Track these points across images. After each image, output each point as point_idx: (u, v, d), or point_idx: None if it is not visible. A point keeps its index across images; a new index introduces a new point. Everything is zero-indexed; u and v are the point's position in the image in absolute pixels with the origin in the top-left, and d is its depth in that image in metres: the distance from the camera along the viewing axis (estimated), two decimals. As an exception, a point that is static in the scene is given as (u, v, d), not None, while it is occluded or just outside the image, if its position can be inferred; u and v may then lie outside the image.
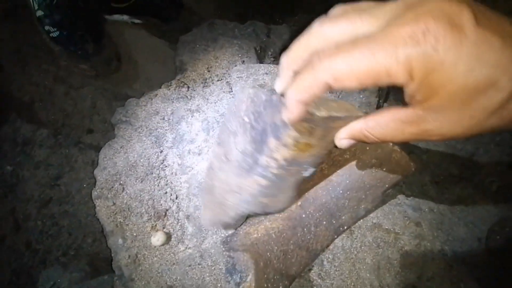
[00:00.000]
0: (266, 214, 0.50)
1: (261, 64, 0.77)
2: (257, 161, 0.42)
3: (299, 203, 0.50)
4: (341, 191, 0.50)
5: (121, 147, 0.67)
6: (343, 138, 0.34)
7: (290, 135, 0.37)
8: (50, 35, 0.82)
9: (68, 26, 0.81)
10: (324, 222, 0.50)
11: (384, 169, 0.49)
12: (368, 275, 0.50)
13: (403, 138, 0.29)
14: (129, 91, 0.92)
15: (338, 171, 0.51)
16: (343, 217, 0.51)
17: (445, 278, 0.54)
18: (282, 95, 0.34)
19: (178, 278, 0.53)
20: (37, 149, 0.73)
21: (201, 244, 0.55)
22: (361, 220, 0.54)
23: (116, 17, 0.91)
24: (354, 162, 0.50)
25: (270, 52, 0.99)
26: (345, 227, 0.52)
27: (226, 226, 0.51)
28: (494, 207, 0.73)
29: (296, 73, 0.29)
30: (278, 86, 0.33)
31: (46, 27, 0.82)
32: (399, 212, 0.56)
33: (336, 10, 0.30)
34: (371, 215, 0.55)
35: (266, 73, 0.71)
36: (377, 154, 0.49)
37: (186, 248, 0.55)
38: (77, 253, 0.68)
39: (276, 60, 0.98)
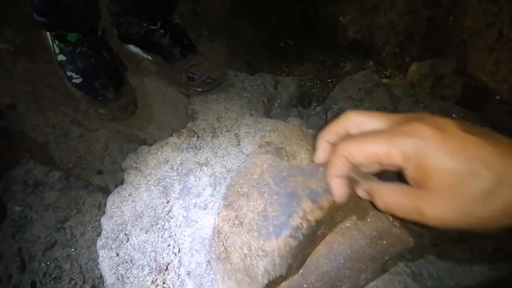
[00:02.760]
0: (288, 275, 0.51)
1: (268, 120, 0.81)
2: (288, 223, 0.47)
3: (300, 271, 0.51)
4: (342, 261, 0.50)
5: (129, 195, 0.69)
6: (363, 189, 0.41)
7: (328, 199, 0.47)
8: (73, 81, 0.88)
9: (91, 74, 0.87)
10: None
11: (384, 242, 0.50)
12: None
13: (403, 212, 0.34)
14: (140, 135, 0.96)
15: (339, 239, 0.52)
16: (344, 287, 0.51)
17: None
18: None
19: None
20: (47, 191, 0.75)
21: (201, 304, 0.55)
22: (360, 289, 0.55)
23: (131, 47, 0.97)
24: (356, 233, 0.51)
25: (277, 103, 1.05)
26: None
27: None
28: (488, 269, 0.74)
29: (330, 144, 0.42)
30: (318, 156, 0.44)
31: (68, 73, 0.88)
32: (399, 282, 0.57)
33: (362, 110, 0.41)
34: (371, 283, 0.55)
35: (273, 130, 0.75)
36: (377, 227, 0.51)
37: (185, 306, 0.55)
38: (75, 300, 0.68)
39: (282, 111, 1.03)
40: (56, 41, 0.87)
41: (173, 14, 0.92)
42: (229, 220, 0.52)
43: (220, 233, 0.53)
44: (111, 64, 0.89)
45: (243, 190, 0.54)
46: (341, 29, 1.57)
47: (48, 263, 0.69)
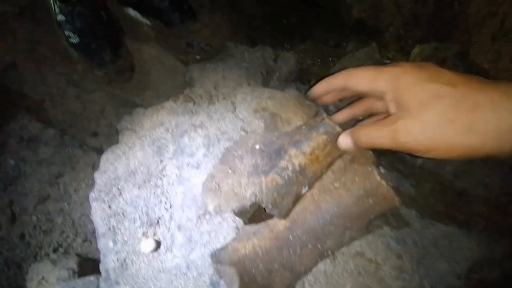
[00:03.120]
0: (270, 213, 0.55)
1: (266, 89, 0.81)
2: (276, 165, 0.54)
3: (287, 224, 0.53)
4: (328, 218, 0.52)
5: (123, 153, 0.70)
6: (345, 136, 0.46)
7: (310, 145, 0.53)
8: (70, 40, 0.87)
9: (88, 35, 0.86)
10: (310, 246, 0.53)
11: (371, 200, 0.52)
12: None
13: (381, 140, 0.39)
14: (137, 100, 0.96)
15: (327, 198, 0.54)
16: (328, 242, 0.53)
17: (421, 313, 0.55)
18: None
19: (163, 286, 0.54)
20: (42, 146, 0.76)
21: (189, 255, 0.56)
22: (345, 247, 0.56)
23: (130, 10, 0.95)
24: (344, 192, 0.53)
25: (275, 76, 1.05)
26: (329, 252, 0.54)
27: (235, 212, 0.54)
28: (477, 247, 0.75)
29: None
30: (315, 89, 0.55)
31: (66, 32, 0.87)
32: (382, 243, 0.58)
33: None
34: (355, 243, 0.57)
35: (269, 98, 0.75)
36: (365, 186, 0.52)
37: (173, 257, 0.57)
38: (67, 251, 0.70)
39: (280, 84, 1.03)
40: (57, 1, 0.86)
41: None
42: (223, 170, 0.56)
43: (214, 177, 0.56)
44: (109, 26, 0.87)
45: (238, 153, 0.59)
46: (346, 8, 1.54)
47: (39, 216, 0.71)
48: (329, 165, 0.56)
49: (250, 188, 0.52)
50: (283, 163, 0.52)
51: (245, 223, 0.56)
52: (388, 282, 0.54)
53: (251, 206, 0.52)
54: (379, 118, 0.47)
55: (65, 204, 0.76)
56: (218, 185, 0.54)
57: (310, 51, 1.44)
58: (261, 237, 0.52)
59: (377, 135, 0.39)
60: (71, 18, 0.85)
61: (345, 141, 0.46)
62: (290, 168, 0.52)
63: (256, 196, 0.51)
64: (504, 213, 0.83)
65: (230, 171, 0.55)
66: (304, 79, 1.29)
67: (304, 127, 0.58)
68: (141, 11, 0.92)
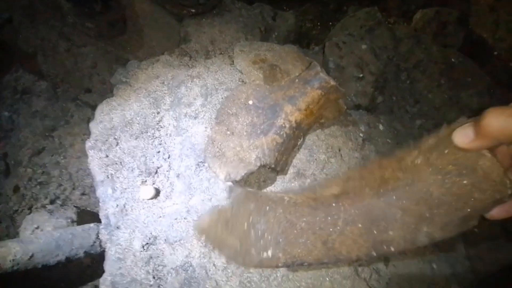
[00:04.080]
0: (276, 171, 0.54)
1: (264, 42, 0.79)
2: (273, 124, 0.54)
3: (335, 191, 0.40)
4: (394, 197, 0.36)
5: (118, 105, 0.68)
6: (464, 129, 0.32)
7: (305, 101, 0.52)
8: None
9: None
10: (360, 225, 0.37)
11: (465, 181, 0.33)
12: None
13: None
14: (131, 56, 0.92)
15: (399, 174, 0.37)
16: (390, 232, 0.37)
17: None
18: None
19: (164, 229, 0.55)
20: (35, 99, 0.73)
21: (189, 201, 0.57)
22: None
23: None
24: (425, 168, 0.35)
25: (274, 34, 1.01)
26: (392, 248, 0.37)
27: (244, 178, 0.53)
28: None
29: None
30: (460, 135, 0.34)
31: None
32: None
33: None
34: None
35: (268, 50, 0.73)
36: (456, 158, 0.34)
37: (173, 203, 0.57)
38: (64, 203, 0.69)
39: (279, 43, 1.00)
40: None
41: None
42: (221, 132, 0.56)
43: (214, 141, 0.55)
44: None
45: (232, 111, 0.58)
46: (349, -30, 1.47)
47: (34, 168, 0.70)
48: (321, 115, 0.56)
49: (253, 151, 0.52)
50: (280, 121, 0.52)
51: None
52: None
53: (257, 169, 0.52)
54: None
55: (61, 157, 0.75)
56: (221, 150, 0.54)
57: (309, 14, 1.39)
58: (297, 192, 0.41)
59: None
60: None
61: (462, 134, 0.32)
62: (287, 125, 0.53)
63: (260, 159, 0.51)
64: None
65: (228, 132, 0.55)
66: (303, 42, 1.26)
67: (297, 79, 0.57)
68: None
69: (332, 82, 0.54)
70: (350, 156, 0.64)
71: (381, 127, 0.79)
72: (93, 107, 0.82)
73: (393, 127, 0.84)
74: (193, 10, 0.88)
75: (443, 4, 1.37)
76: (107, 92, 0.86)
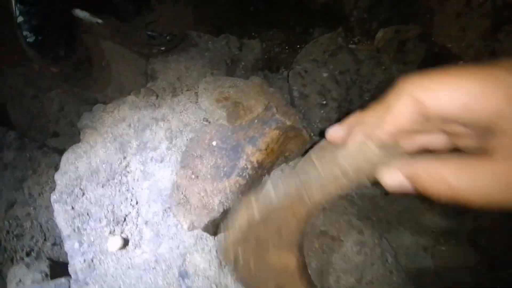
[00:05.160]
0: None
1: (229, 78, 0.81)
2: (236, 166, 0.55)
3: None
4: None
5: (84, 152, 0.68)
6: (399, 171, 0.25)
7: (264, 141, 0.54)
8: (27, 40, 0.83)
9: (43, 31, 0.82)
10: None
11: None
12: (312, 279, 0.54)
13: (489, 197, 0.21)
14: (99, 96, 0.93)
15: None
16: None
17: (383, 283, 0.58)
18: None
19: (132, 282, 0.55)
20: (5, 151, 0.74)
21: (157, 249, 0.57)
22: (309, 228, 0.58)
23: (78, 12, 0.90)
24: None
25: (241, 65, 1.04)
26: None
27: (208, 226, 0.53)
28: (441, 219, 0.79)
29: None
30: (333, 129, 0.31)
31: (24, 33, 0.83)
32: (344, 220, 0.61)
33: None
34: (318, 222, 0.59)
35: (232, 87, 0.75)
36: None
37: (142, 252, 0.57)
38: (38, 255, 0.68)
39: (246, 73, 1.02)
40: (18, 4, 0.82)
41: None
42: (186, 176, 0.57)
43: (179, 186, 0.56)
44: (63, 21, 0.83)
45: (197, 153, 0.60)
46: (311, -7, 1.54)
47: (10, 221, 0.70)
48: (286, 149, 0.58)
49: (216, 196, 0.53)
50: (242, 163, 0.54)
51: (212, 235, 0.56)
52: (350, 256, 0.57)
53: (220, 215, 0.53)
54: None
55: (31, 208, 0.74)
56: (185, 196, 0.54)
57: (277, 38, 1.44)
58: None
59: (467, 178, 0.22)
60: (28, 17, 0.82)
61: (392, 178, 0.26)
62: (249, 166, 0.54)
63: (223, 204, 0.53)
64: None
65: (193, 176, 0.56)
66: (272, 66, 1.30)
67: (256, 120, 0.59)
68: (90, 10, 0.87)
69: (288, 122, 0.57)
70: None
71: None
72: (61, 152, 0.81)
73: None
74: (163, 48, 0.90)
75: (405, 20, 1.45)
76: (75, 134, 0.86)
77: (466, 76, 0.22)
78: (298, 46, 1.43)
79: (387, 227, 0.73)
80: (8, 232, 0.70)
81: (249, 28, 1.46)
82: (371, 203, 0.76)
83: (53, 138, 0.83)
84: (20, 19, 0.82)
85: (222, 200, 0.52)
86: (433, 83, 0.23)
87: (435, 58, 1.42)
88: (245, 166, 0.55)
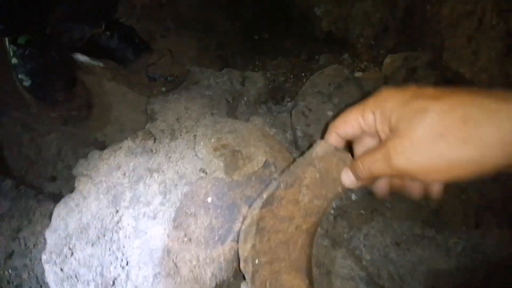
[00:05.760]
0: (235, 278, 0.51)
1: (228, 120, 0.78)
2: (231, 229, 0.52)
3: None
4: None
5: (76, 205, 0.65)
6: (346, 172, 0.42)
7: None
8: (23, 84, 0.83)
9: (40, 75, 0.81)
10: None
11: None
12: None
13: (378, 167, 0.36)
14: (99, 137, 0.91)
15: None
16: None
17: None
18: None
19: None
20: (2, 200, 0.73)
21: (146, 320, 0.53)
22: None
23: (79, 56, 0.91)
24: None
25: (243, 100, 1.02)
26: None
27: None
28: (457, 270, 0.72)
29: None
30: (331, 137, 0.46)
31: (20, 76, 0.83)
32: (350, 287, 0.55)
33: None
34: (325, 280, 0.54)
35: (231, 132, 0.72)
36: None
37: (130, 322, 0.53)
38: (35, 309, 0.66)
39: (248, 109, 1.00)
40: (11, 45, 0.82)
41: (116, 12, 0.86)
42: (179, 239, 0.53)
43: (170, 251, 0.53)
44: (61, 64, 0.83)
45: (191, 210, 0.56)
46: (316, 21, 1.52)
47: (10, 271, 0.69)
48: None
49: (209, 266, 0.49)
50: (238, 226, 0.50)
51: None
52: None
53: None
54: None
55: (28, 259, 0.72)
56: (176, 265, 0.51)
57: (282, 67, 1.42)
58: None
59: (372, 160, 0.36)
60: (22, 60, 0.81)
61: (347, 177, 0.42)
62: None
63: (216, 277, 0.49)
64: (484, 229, 0.80)
65: (186, 239, 0.52)
66: (277, 97, 1.27)
67: (254, 177, 0.55)
68: (90, 55, 0.87)
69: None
70: (319, 245, 0.60)
71: (353, 196, 0.77)
72: (56, 197, 0.80)
73: (366, 192, 0.82)
74: (164, 89, 0.89)
75: (414, 45, 1.40)
76: (72, 177, 0.85)
77: (355, 112, 0.40)
78: (303, 74, 1.40)
79: (400, 285, 0.67)
80: (8, 282, 0.69)
81: (253, 57, 1.45)
82: (380, 255, 0.70)
83: (50, 182, 0.81)
84: (14, 61, 0.81)
85: (215, 272, 0.48)
86: (339, 124, 0.42)
87: (447, 84, 1.35)
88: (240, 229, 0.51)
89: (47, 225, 0.74)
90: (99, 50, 0.85)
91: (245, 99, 1.00)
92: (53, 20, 0.81)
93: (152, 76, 0.87)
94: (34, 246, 0.73)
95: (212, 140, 0.71)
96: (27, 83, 0.82)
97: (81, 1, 0.76)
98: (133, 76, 0.87)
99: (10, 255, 0.71)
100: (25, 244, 0.73)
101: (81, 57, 0.87)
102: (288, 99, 1.24)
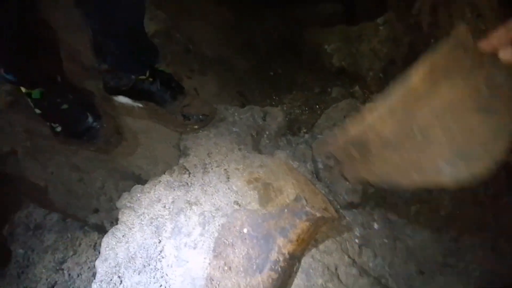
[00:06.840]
0: None
1: (256, 155, 0.86)
2: (268, 258, 0.57)
3: None
4: None
5: (123, 236, 0.72)
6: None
7: (295, 232, 0.56)
8: (55, 130, 0.92)
9: (67, 120, 0.91)
10: None
11: None
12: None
13: None
14: (135, 170, 1.00)
15: None
16: None
17: None
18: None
19: None
20: (46, 233, 0.79)
21: None
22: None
23: (121, 98, 1.01)
24: None
25: (265, 134, 1.10)
26: None
27: None
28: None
29: None
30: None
31: (48, 123, 0.92)
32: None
33: None
34: None
35: (261, 166, 0.80)
36: None
37: None
38: None
39: (270, 142, 1.07)
40: (29, 98, 0.90)
41: (159, 62, 0.97)
42: (219, 267, 0.58)
43: (213, 280, 0.58)
44: (80, 103, 0.92)
45: (228, 241, 0.62)
46: (327, 57, 1.64)
47: None
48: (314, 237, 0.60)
49: None
50: (274, 255, 0.55)
51: None
52: None
53: None
54: None
55: (71, 290, 0.77)
56: None
57: (297, 100, 1.51)
58: None
59: None
60: (45, 111, 0.90)
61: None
62: (281, 259, 0.55)
63: None
64: (501, 255, 0.83)
65: (226, 268, 0.58)
66: (294, 128, 1.35)
67: (286, 210, 0.61)
68: (132, 97, 0.98)
69: (318, 214, 0.58)
70: (348, 274, 0.65)
71: (376, 225, 0.81)
72: (100, 229, 0.87)
73: (387, 220, 0.86)
74: (196, 126, 0.98)
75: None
76: (113, 208, 0.92)
77: None
78: (317, 106, 1.50)
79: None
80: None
81: (270, 92, 1.56)
82: (406, 285, 0.73)
83: (93, 214, 0.89)
84: (37, 111, 0.89)
85: (256, 299, 0.53)
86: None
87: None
88: (277, 259, 0.57)
89: (92, 255, 0.81)
90: (139, 93, 0.96)
91: (267, 133, 1.09)
92: (103, 70, 0.92)
93: (187, 115, 0.96)
94: (78, 276, 0.79)
95: (245, 173, 0.78)
96: (58, 129, 0.91)
97: (129, 52, 0.88)
98: (169, 115, 0.97)
99: (52, 287, 0.76)
100: (69, 275, 0.79)
101: (123, 99, 0.98)
102: (305, 130, 1.33)
